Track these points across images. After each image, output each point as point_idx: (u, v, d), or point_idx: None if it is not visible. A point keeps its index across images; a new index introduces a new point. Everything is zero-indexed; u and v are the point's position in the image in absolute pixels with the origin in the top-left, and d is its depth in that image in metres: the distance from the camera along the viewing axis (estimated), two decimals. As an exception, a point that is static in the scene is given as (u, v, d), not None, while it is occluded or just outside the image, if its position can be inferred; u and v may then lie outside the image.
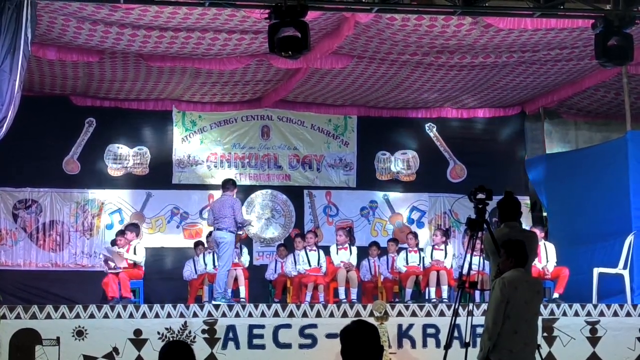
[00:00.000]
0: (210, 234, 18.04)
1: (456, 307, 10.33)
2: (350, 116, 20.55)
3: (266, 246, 19.97)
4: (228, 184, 16.61)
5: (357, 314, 14.43)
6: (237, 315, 14.24)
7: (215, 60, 16.41)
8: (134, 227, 17.38)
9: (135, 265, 16.68)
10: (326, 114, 20.38)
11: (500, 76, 17.90)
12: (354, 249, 17.37)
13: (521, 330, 9.10)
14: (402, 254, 17.66)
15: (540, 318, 14.23)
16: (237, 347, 14.17)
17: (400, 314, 14.62)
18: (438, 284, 16.74)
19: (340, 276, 16.73)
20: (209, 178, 20.00)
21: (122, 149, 19.73)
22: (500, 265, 9.41)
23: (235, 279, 16.74)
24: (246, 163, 20.16)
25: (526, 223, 18.34)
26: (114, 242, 17.27)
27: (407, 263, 17.37)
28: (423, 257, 17.32)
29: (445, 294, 16.59)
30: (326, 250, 17.38)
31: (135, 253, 16.73)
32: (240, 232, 16.99)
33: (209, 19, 14.21)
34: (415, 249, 17.69)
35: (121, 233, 17.23)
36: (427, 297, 16.60)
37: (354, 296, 16.67)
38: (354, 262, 17.20)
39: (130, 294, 16.24)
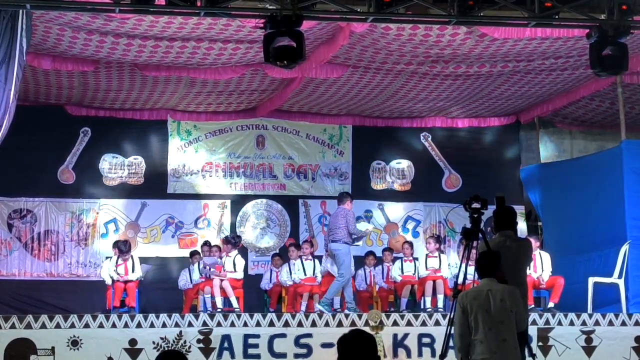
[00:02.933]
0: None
1: (451, 316, 10.32)
2: (345, 125, 20.55)
3: (261, 256, 19.94)
4: (342, 197, 16.81)
5: (353, 323, 14.43)
6: (232, 324, 14.24)
7: (210, 70, 16.41)
8: (125, 245, 17.34)
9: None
10: (321, 124, 20.38)
11: (495, 85, 17.91)
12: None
13: (487, 340, 9.12)
14: (398, 263, 17.63)
15: (535, 327, 14.37)
16: (232, 356, 14.19)
17: (395, 323, 14.62)
18: (434, 294, 16.72)
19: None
20: (204, 188, 19.99)
21: (117, 158, 19.71)
22: None
23: (223, 289, 16.68)
24: (241, 172, 20.15)
25: (521, 232, 18.36)
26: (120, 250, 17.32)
27: (402, 272, 17.35)
28: (418, 267, 17.29)
29: (440, 303, 16.56)
30: (320, 259, 17.38)
31: (133, 270, 16.88)
32: (358, 244, 17.10)
33: (204, 29, 14.22)
34: (411, 258, 17.66)
35: (120, 250, 17.21)
36: (422, 307, 16.58)
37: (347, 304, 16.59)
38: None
39: (135, 303, 16.49)
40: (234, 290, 16.67)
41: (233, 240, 17.58)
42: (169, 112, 19.70)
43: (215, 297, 16.49)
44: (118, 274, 16.80)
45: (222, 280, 16.63)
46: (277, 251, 19.36)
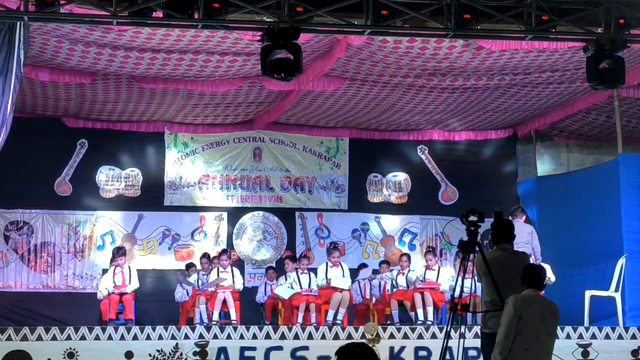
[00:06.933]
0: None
1: (448, 329, 10.31)
2: (342, 138, 20.54)
3: (257, 268, 19.92)
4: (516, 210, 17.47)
5: (349, 336, 14.40)
6: (229, 337, 14.22)
7: (207, 82, 16.43)
8: (121, 251, 17.39)
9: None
10: (318, 136, 20.38)
11: (491, 98, 17.93)
12: (345, 266, 17.28)
13: (532, 348, 9.08)
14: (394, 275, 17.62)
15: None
16: (229, 369, 14.17)
17: (392, 336, 14.60)
18: (424, 306, 16.63)
19: (335, 300, 16.58)
20: (200, 200, 19.98)
21: (113, 170, 19.70)
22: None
23: (225, 302, 16.66)
24: (238, 185, 20.15)
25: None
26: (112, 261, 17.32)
27: (397, 285, 17.32)
28: (415, 278, 17.25)
29: (430, 315, 16.47)
30: (316, 272, 17.34)
31: (129, 278, 16.87)
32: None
33: (202, 41, 14.23)
34: (404, 271, 17.63)
35: (117, 254, 17.24)
36: (415, 319, 16.51)
37: (341, 316, 16.51)
38: (347, 279, 17.09)
39: (132, 315, 16.46)
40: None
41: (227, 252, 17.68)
42: (166, 124, 19.70)
43: (215, 311, 16.46)
44: (115, 283, 16.74)
45: (224, 292, 16.64)
46: (273, 264, 19.35)
